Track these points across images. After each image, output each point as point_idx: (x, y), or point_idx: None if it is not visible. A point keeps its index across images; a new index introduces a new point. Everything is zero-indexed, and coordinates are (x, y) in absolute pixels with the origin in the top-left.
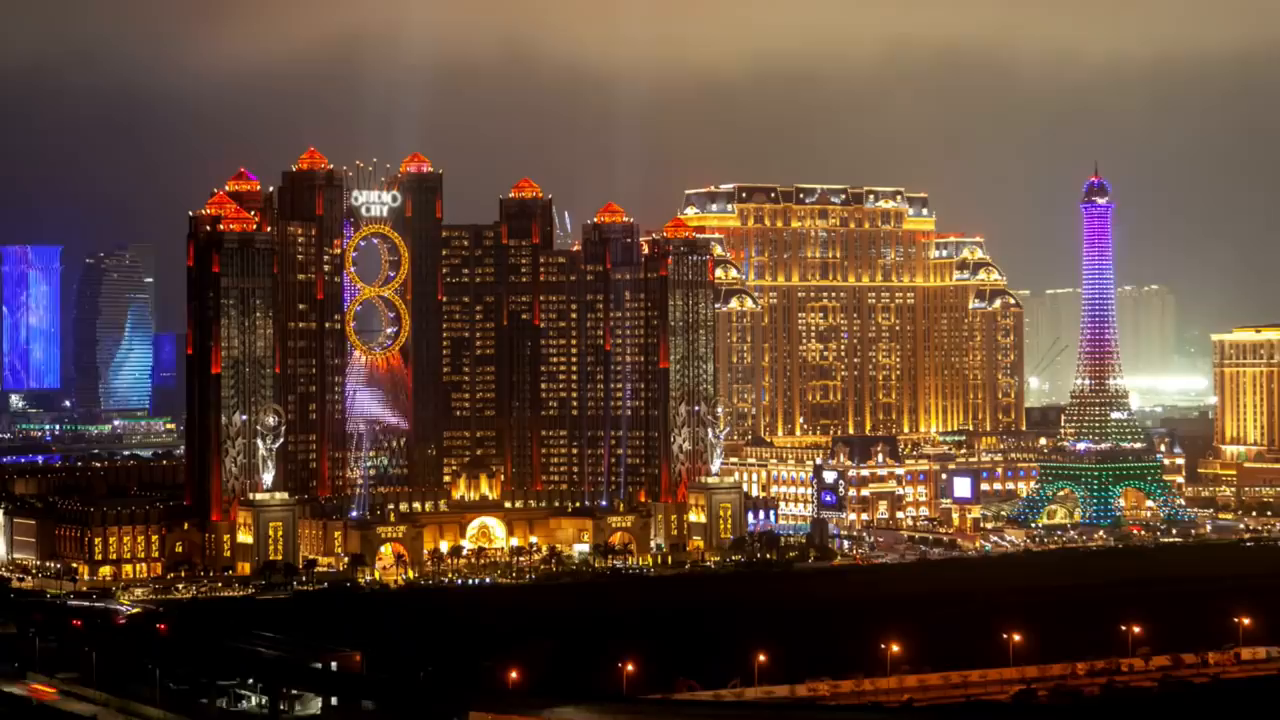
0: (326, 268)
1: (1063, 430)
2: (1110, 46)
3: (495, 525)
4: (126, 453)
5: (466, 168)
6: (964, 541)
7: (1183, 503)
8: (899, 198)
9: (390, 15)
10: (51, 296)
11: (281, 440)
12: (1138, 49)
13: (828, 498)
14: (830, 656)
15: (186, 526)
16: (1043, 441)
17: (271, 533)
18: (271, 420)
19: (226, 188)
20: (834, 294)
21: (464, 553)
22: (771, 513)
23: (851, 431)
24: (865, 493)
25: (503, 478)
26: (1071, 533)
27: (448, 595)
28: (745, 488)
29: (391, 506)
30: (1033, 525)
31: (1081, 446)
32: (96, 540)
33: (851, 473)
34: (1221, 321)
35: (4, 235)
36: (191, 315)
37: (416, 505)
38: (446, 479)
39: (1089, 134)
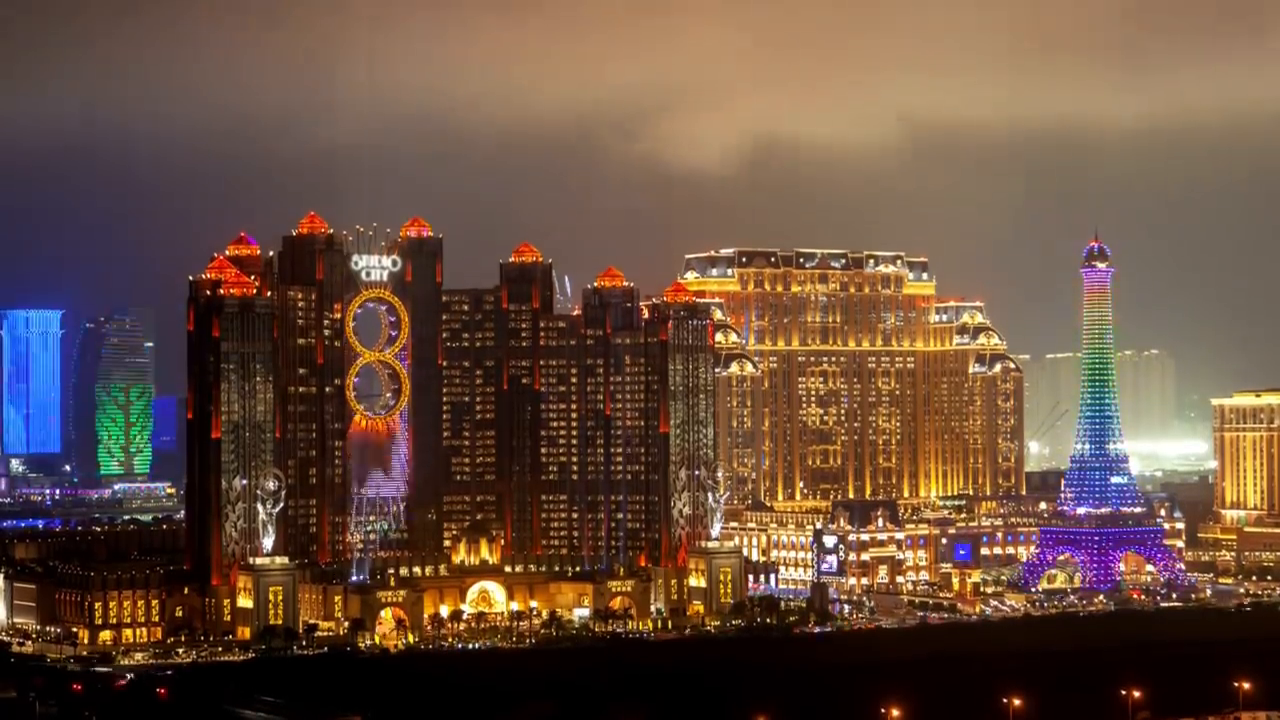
0: (326, 332)
1: (1063, 495)
2: (1110, 113)
3: (495, 590)
4: (126, 517)
5: (466, 232)
6: (964, 606)
7: (1183, 567)
8: (899, 262)
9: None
10: (52, 360)
11: (281, 504)
12: (1137, 115)
13: (827, 562)
14: None
15: (187, 591)
16: (1043, 506)
17: (272, 597)
18: (271, 484)
19: (227, 252)
20: (834, 358)
21: (464, 617)
22: (772, 577)
23: (852, 496)
24: (865, 557)
25: (503, 542)
26: (1072, 597)
27: (448, 659)
28: (745, 552)
29: (392, 571)
30: (1033, 590)
31: (1082, 511)
32: (97, 604)
33: (851, 537)
34: (1221, 386)
35: (4, 299)
36: (192, 379)
37: (417, 570)
38: (447, 543)
39: (1089, 199)
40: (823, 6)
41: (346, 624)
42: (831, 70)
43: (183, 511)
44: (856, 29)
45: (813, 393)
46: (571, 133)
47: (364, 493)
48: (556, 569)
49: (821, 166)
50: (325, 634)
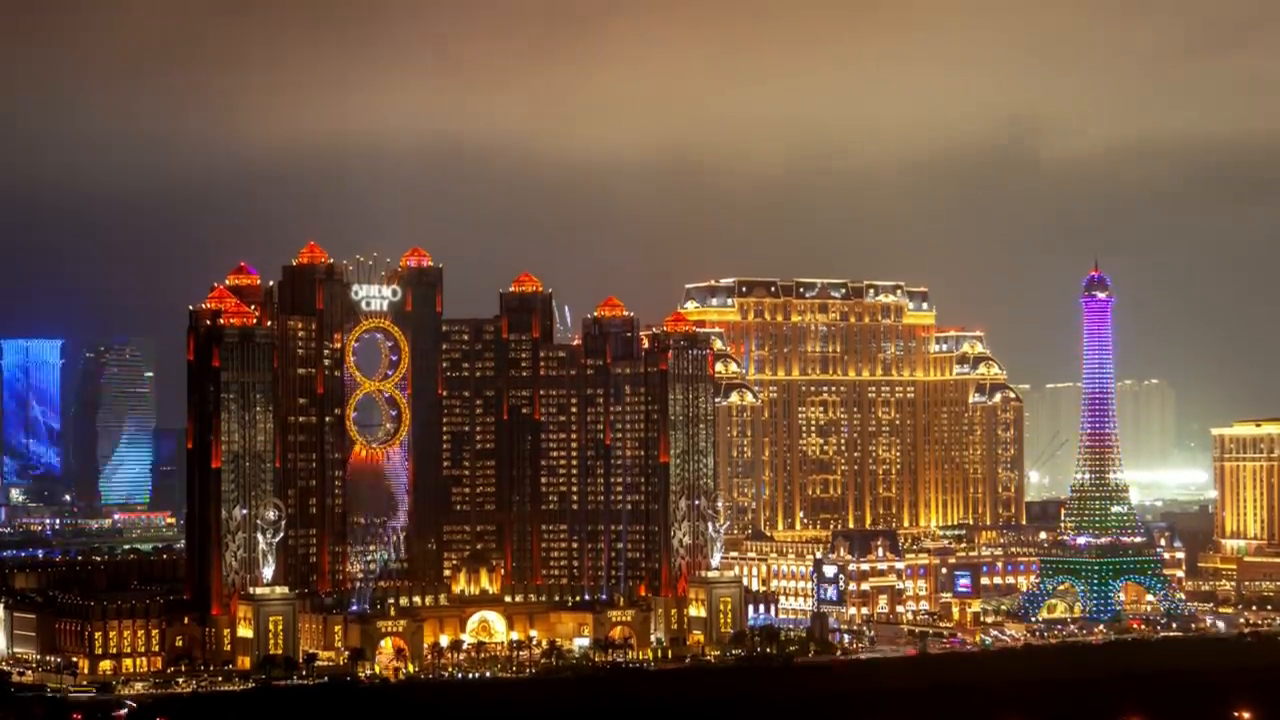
0: (326, 362)
1: (1063, 524)
2: (1111, 142)
3: (495, 619)
4: (126, 547)
5: (466, 262)
6: (964, 635)
7: (1183, 597)
8: (899, 292)
9: (389, 110)
10: (52, 390)
11: (282, 534)
12: (1138, 144)
13: (827, 591)
14: None
15: (187, 620)
16: (1043, 535)
17: (272, 627)
18: (272, 514)
19: (227, 282)
20: (834, 388)
21: (464, 647)
22: (772, 607)
23: (852, 525)
24: (865, 587)
25: (503, 572)
26: (1072, 627)
27: (448, 689)
28: (745, 582)
29: (392, 600)
30: (1033, 619)
31: (1082, 540)
32: (97, 634)
33: (852, 567)
34: (1221, 415)
35: (3, 329)
36: (191, 409)
37: (417, 599)
38: (447, 573)
39: (1089, 228)
40: (818, 32)
41: (346, 654)
42: (830, 101)
43: (183, 541)
44: (853, 58)
45: (813, 422)
46: (571, 163)
47: (364, 522)
48: (556, 599)
49: (823, 195)
50: (325, 664)
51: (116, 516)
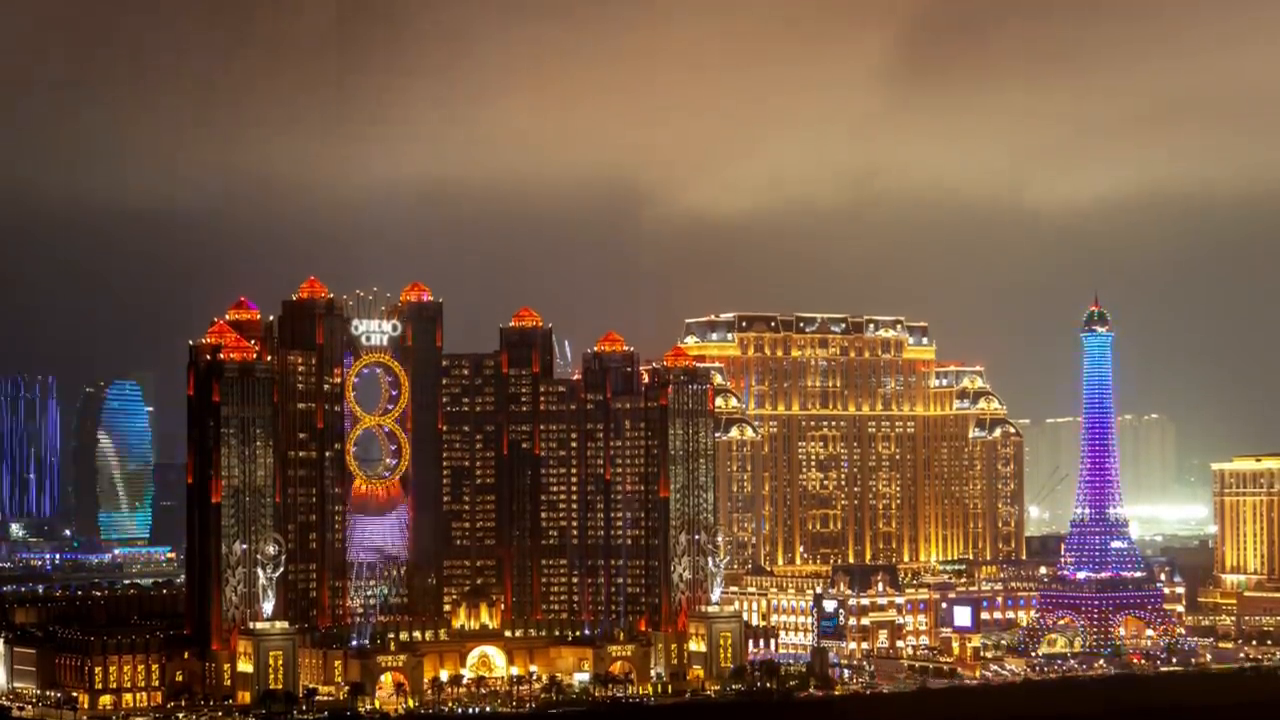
0: (326, 397)
1: (1063, 559)
2: (1110, 177)
3: (495, 654)
4: (126, 581)
5: (466, 296)
6: (964, 670)
7: (1183, 631)
8: (899, 326)
9: (389, 146)
10: (51, 425)
11: (282, 569)
12: (1136, 180)
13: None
14: None
15: (187, 655)
16: (1043, 570)
17: (272, 661)
18: (272, 549)
19: (226, 317)
20: (834, 423)
21: (464, 681)
22: (772, 641)
23: (851, 560)
24: (865, 621)
25: (503, 606)
26: (1072, 661)
27: None
28: (745, 617)
29: (392, 635)
30: (1033, 654)
31: (1082, 575)
32: (97, 669)
33: (852, 601)
34: (1221, 450)
35: (2, 364)
36: (191, 444)
37: (417, 634)
38: (447, 608)
39: (1089, 264)
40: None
41: (346, 688)
42: (829, 135)
43: (183, 576)
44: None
45: (813, 457)
46: (570, 198)
47: (364, 557)
48: (556, 633)
49: (821, 230)
50: (325, 698)
51: (116, 551)
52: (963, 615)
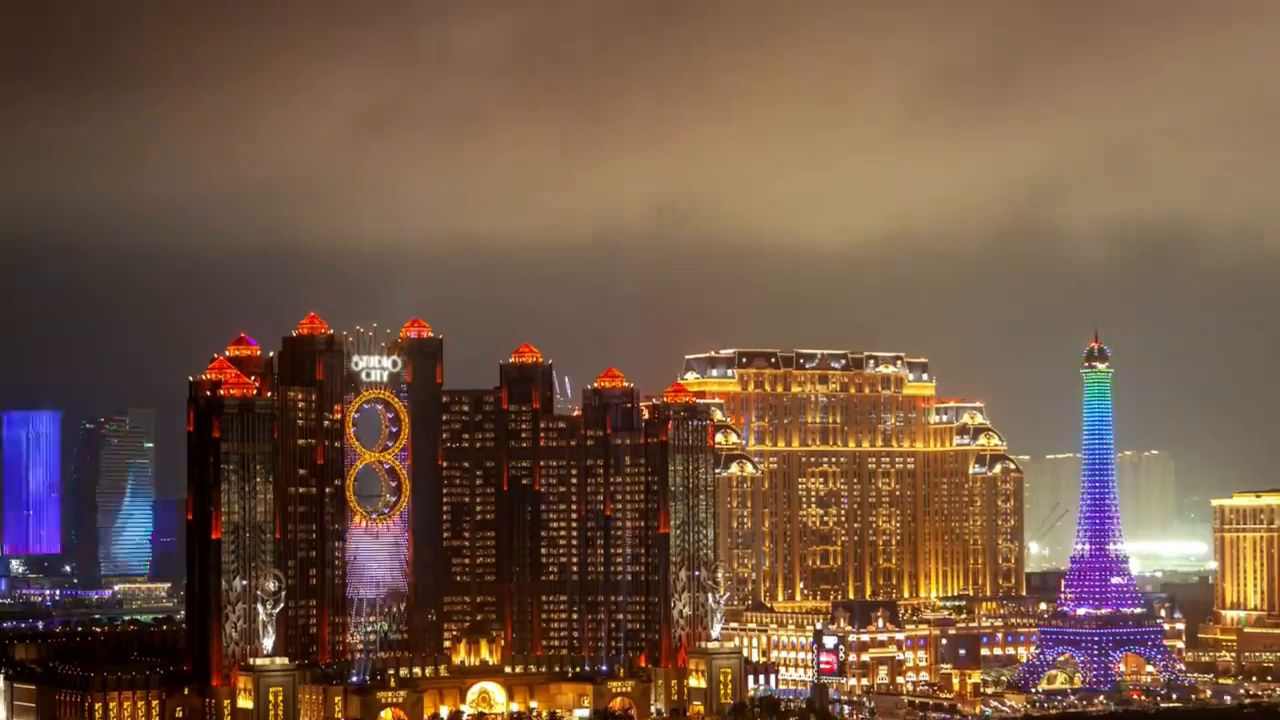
0: (326, 433)
1: (1063, 595)
2: (1110, 212)
3: (495, 690)
4: (127, 617)
5: (466, 332)
6: (964, 707)
7: (1183, 667)
8: (899, 363)
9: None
10: (51, 461)
11: (281, 605)
12: (1137, 215)
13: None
14: None
15: (187, 692)
16: (1043, 606)
17: (272, 698)
18: (272, 585)
19: (227, 353)
20: (834, 459)
21: (464, 718)
22: (772, 678)
23: (852, 596)
24: (865, 658)
25: (503, 643)
26: (1072, 698)
27: None
28: (745, 653)
29: (392, 671)
30: (1033, 690)
31: (1082, 611)
32: (97, 705)
33: (852, 638)
34: (1221, 486)
35: (3, 400)
36: (191, 480)
37: (417, 670)
38: (447, 644)
39: (1088, 300)
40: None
41: None
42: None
43: (183, 612)
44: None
45: (813, 493)
46: (572, 236)
47: (364, 593)
48: (557, 669)
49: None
50: None
51: (116, 587)
52: (963, 651)
